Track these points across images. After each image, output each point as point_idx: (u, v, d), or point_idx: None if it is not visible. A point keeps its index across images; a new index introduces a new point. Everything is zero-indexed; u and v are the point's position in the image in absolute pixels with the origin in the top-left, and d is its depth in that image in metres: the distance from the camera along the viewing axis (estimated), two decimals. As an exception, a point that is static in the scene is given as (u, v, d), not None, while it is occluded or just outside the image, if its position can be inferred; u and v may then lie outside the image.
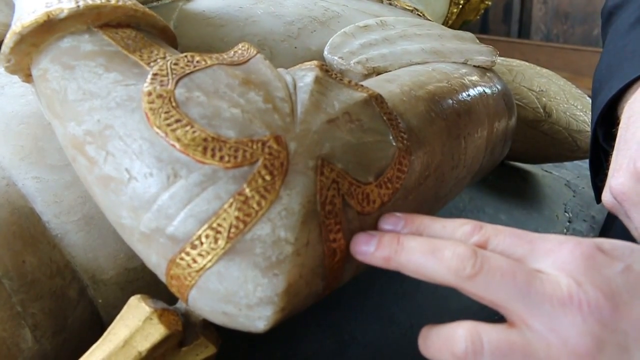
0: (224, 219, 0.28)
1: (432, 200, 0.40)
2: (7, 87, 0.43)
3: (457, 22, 0.73)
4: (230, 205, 0.28)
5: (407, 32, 0.52)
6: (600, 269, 0.27)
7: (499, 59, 0.71)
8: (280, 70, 0.36)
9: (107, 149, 0.30)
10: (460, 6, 0.70)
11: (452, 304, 0.55)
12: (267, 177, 0.29)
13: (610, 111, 0.44)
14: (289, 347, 0.53)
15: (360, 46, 0.48)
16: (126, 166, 0.30)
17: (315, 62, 0.36)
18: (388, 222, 0.33)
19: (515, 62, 0.73)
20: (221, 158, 0.29)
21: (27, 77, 0.36)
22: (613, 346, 0.26)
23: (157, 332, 0.32)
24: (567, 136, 0.66)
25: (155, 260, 0.30)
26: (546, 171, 0.77)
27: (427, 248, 0.30)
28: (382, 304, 0.58)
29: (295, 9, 0.52)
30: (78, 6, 0.33)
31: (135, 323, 0.32)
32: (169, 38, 0.38)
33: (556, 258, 0.28)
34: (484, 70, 0.52)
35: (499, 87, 0.52)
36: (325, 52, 0.47)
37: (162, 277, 0.31)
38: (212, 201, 0.28)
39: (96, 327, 0.42)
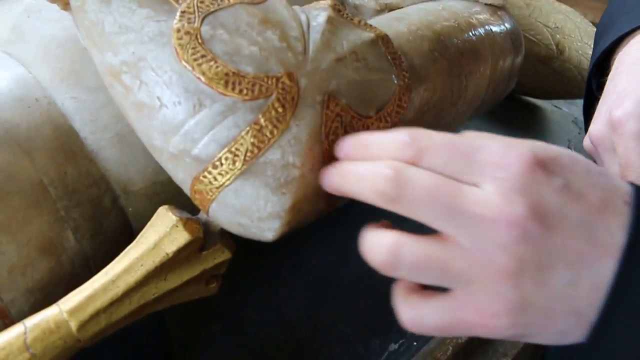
0: (241, 144, 0.34)
1: (430, 134, 0.45)
2: (44, 11, 0.47)
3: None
4: (247, 133, 0.34)
5: (422, -33, 0.55)
6: (536, 186, 0.27)
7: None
8: (296, 8, 0.40)
9: (141, 78, 0.35)
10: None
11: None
12: (280, 109, 0.34)
13: (605, 61, 0.47)
14: (296, 257, 0.59)
15: (375, -19, 0.51)
16: (158, 94, 0.35)
17: (328, 1, 0.40)
18: (341, 149, 0.34)
19: (535, -4, 0.75)
20: (240, 91, 0.34)
21: (65, 6, 0.41)
22: (535, 265, 0.27)
23: (182, 237, 0.38)
24: (576, 74, 0.70)
25: (182, 177, 0.36)
26: (555, 107, 0.81)
27: (358, 172, 0.31)
28: (385, 225, 0.64)
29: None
30: (113, -55, 0.37)
31: (164, 229, 0.38)
32: (194, -26, 0.42)
33: (493, 173, 0.28)
34: (495, 8, 0.55)
35: (508, 26, 0.55)
36: (342, -13, 0.51)
37: (187, 191, 0.37)
38: (231, 128, 0.34)
39: (126, 231, 0.49)
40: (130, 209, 0.48)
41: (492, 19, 0.53)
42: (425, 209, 0.28)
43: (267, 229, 0.36)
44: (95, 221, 0.45)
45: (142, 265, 0.38)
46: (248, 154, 0.34)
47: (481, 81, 0.50)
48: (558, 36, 0.71)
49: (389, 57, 0.40)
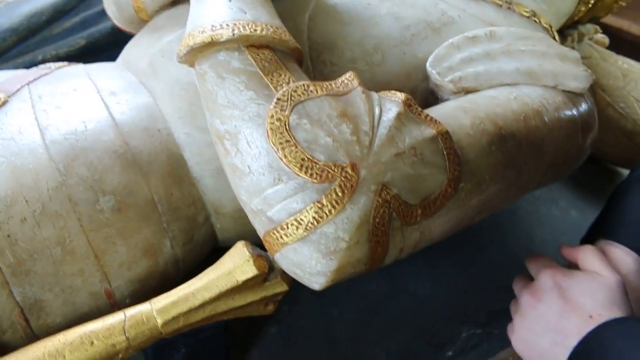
0: (305, 216, 0.44)
1: (474, 214, 0.53)
2: (175, 54, 0.59)
3: (585, 17, 0.78)
4: (311, 208, 0.44)
5: (511, 48, 0.62)
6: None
7: (621, 60, 0.78)
8: (373, 97, 0.49)
9: (238, 147, 0.47)
10: (590, 5, 0.76)
11: (503, 282, 0.67)
12: (339, 194, 0.44)
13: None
14: (352, 282, 0.70)
15: (460, 61, 0.59)
16: (248, 163, 0.46)
17: (403, 96, 0.49)
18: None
19: (636, 68, 0.78)
20: (311, 175, 0.44)
21: (192, 65, 0.53)
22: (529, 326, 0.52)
23: (251, 270, 0.50)
24: (659, 154, 0.74)
25: (257, 227, 0.48)
26: (637, 175, 0.84)
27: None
28: (438, 267, 0.73)
29: (415, 11, 0.63)
30: (234, 34, 0.48)
31: (238, 261, 0.50)
32: (297, 54, 0.52)
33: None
34: (574, 94, 0.61)
35: (581, 111, 0.61)
36: (428, 64, 0.59)
37: (260, 237, 0.48)
38: (299, 203, 0.44)
39: (212, 242, 0.62)
40: (218, 226, 0.60)
41: (565, 105, 0.59)
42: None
43: (315, 282, 0.47)
44: (188, 233, 0.58)
45: (217, 286, 0.50)
46: (309, 224, 0.44)
47: (538, 169, 0.57)
48: (648, 113, 0.75)
49: (444, 153, 0.48)
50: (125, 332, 0.49)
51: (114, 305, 0.55)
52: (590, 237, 0.61)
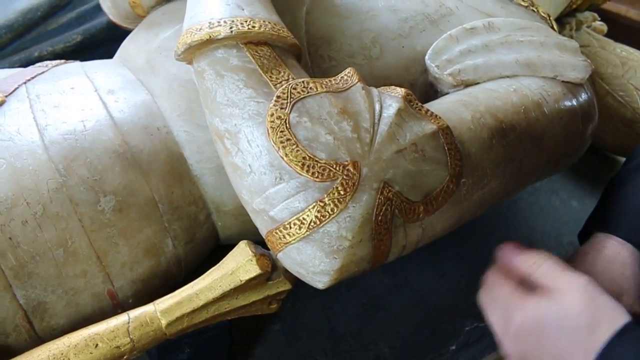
0: (307, 215, 0.44)
1: (476, 209, 0.53)
2: (172, 51, 0.59)
3: (583, 4, 0.78)
4: (313, 207, 0.44)
5: (509, 38, 0.61)
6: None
7: (620, 48, 0.78)
8: (373, 92, 0.49)
9: (238, 146, 0.46)
10: (588, -7, 0.76)
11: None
12: (342, 192, 0.44)
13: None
14: (354, 278, 0.70)
15: (459, 53, 0.59)
16: (249, 162, 0.46)
17: (403, 91, 0.49)
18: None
19: (635, 56, 0.78)
20: (313, 174, 0.44)
21: (190, 63, 0.53)
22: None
23: (254, 270, 0.50)
24: (658, 142, 0.74)
25: (259, 227, 0.48)
26: (637, 163, 0.84)
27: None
28: (439, 260, 0.73)
29: (412, 3, 0.63)
30: (231, 31, 0.48)
31: (240, 260, 0.50)
32: (296, 50, 0.52)
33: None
34: (573, 84, 0.61)
35: (581, 102, 0.61)
36: (427, 57, 0.59)
37: (263, 236, 0.48)
38: (302, 202, 0.44)
39: (214, 240, 0.62)
40: (219, 224, 0.60)
41: (564, 96, 0.59)
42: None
43: (318, 281, 0.47)
44: (190, 232, 0.58)
45: (220, 286, 0.50)
46: (312, 224, 0.44)
47: (539, 160, 0.57)
48: (648, 101, 0.74)
49: (445, 148, 0.48)
50: (129, 333, 0.49)
51: (117, 305, 0.55)
52: (588, 230, 0.61)
